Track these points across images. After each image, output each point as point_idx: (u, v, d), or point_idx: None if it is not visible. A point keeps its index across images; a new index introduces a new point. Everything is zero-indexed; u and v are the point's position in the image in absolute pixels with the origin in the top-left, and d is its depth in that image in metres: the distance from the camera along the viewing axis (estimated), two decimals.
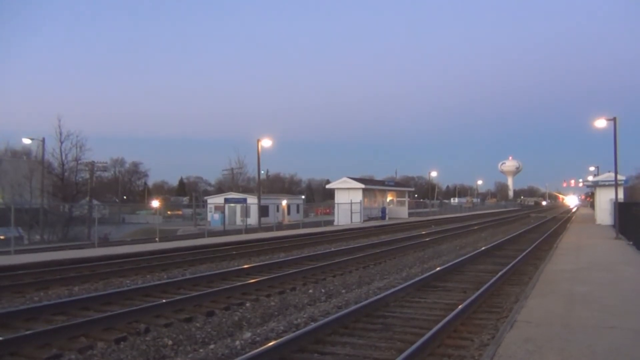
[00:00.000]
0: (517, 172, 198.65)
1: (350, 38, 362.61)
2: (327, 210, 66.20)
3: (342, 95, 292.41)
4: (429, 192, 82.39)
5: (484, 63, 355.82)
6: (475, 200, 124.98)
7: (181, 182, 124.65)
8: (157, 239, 25.97)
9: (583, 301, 8.31)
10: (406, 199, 54.41)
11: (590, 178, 48.37)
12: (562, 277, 10.93)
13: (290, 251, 19.41)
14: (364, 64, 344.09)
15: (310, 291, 10.96)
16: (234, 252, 17.93)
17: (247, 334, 7.49)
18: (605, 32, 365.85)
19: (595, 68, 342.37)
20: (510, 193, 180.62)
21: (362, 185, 42.91)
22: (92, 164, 57.47)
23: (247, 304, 9.38)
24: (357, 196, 41.94)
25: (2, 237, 26.47)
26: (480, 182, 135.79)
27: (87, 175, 55.56)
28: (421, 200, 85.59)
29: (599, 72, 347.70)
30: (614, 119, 24.05)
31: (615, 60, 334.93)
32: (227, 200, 43.44)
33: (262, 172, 53.45)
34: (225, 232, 33.07)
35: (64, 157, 42.18)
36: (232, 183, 74.92)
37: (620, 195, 27.60)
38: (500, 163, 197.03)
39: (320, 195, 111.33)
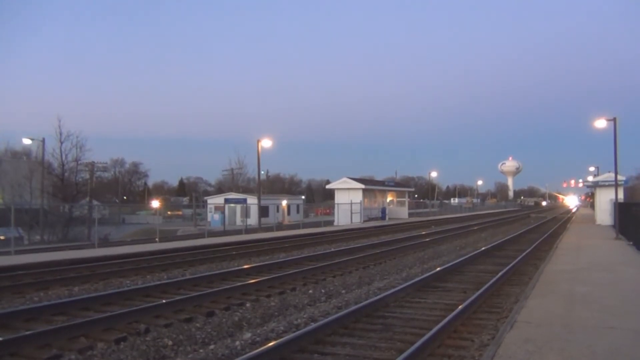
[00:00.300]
0: (517, 172, 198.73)
1: (350, 38, 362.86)
2: (327, 211, 66.15)
3: (342, 95, 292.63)
4: (429, 193, 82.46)
5: (484, 63, 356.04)
6: (475, 200, 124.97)
7: (181, 183, 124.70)
8: (157, 239, 25.95)
9: (583, 301, 8.31)
10: (406, 199, 54.41)
11: (590, 178, 48.38)
12: (562, 277, 10.93)
13: (290, 251, 19.41)
14: (364, 64, 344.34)
15: (311, 291, 10.96)
16: (234, 253, 17.92)
17: (247, 334, 7.49)
18: (605, 32, 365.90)
19: (595, 68, 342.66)
20: (510, 193, 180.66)
21: (362, 186, 42.90)
22: (92, 164, 57.51)
23: (247, 304, 9.38)
24: (357, 196, 41.93)
25: (2, 238, 26.47)
26: (480, 182, 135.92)
27: (87, 176, 55.60)
28: (421, 200, 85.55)
29: (599, 72, 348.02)
30: (614, 119, 24.07)
31: (615, 60, 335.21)
32: (227, 201, 43.48)
33: (262, 172, 53.51)
34: (225, 233, 33.07)
35: (64, 158, 42.14)
36: (232, 183, 74.91)
37: (620, 196, 27.60)
38: (500, 163, 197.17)
39: (320, 196, 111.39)
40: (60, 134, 41.36)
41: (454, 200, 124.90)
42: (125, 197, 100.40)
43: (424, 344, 6.22)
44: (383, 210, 46.24)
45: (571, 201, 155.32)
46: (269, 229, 34.59)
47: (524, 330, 6.37)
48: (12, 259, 15.25)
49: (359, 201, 41.71)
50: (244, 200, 39.33)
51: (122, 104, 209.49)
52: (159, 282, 11.35)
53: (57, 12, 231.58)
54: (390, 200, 51.23)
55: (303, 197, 76.75)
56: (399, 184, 63.03)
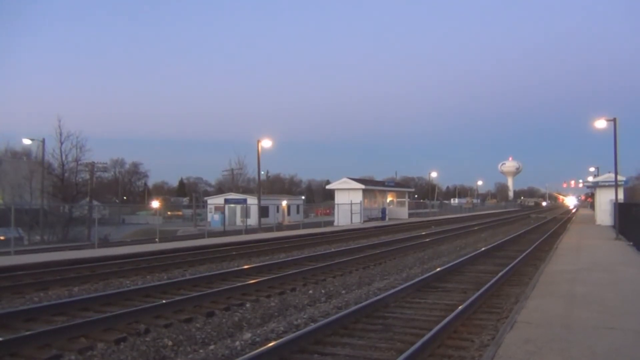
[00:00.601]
0: (517, 172, 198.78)
1: (350, 38, 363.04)
2: (327, 211, 66.09)
3: (342, 95, 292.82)
4: (429, 193, 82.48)
5: (484, 63, 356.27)
6: (475, 200, 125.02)
7: (181, 183, 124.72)
8: (157, 239, 25.94)
9: (583, 302, 8.31)
10: (406, 200, 54.39)
11: (590, 179, 48.41)
12: (562, 277, 10.93)
13: (290, 252, 19.40)
14: (364, 64, 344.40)
15: (310, 292, 10.96)
16: (234, 253, 17.92)
17: (247, 335, 7.49)
18: (605, 32, 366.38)
19: (595, 68, 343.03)
20: (510, 194, 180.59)
21: (362, 186, 42.89)
22: (92, 164, 57.33)
23: (247, 305, 9.38)
24: (357, 197, 41.92)
25: (2, 238, 26.45)
26: (480, 182, 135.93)
27: (87, 176, 55.47)
28: (421, 200, 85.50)
29: (599, 72, 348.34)
30: (614, 120, 24.07)
31: (615, 60, 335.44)
32: (227, 201, 43.50)
33: (262, 172, 53.48)
34: (225, 233, 33.08)
35: (64, 158, 42.17)
36: (232, 184, 74.92)
37: (620, 196, 27.61)
38: (500, 164, 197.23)
39: (320, 196, 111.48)
40: (60, 134, 41.43)
41: (454, 201, 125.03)
42: (125, 198, 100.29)
43: (424, 344, 6.22)
44: (383, 211, 46.24)
45: (571, 201, 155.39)
46: (269, 229, 34.59)
47: (524, 330, 6.37)
48: (12, 259, 15.25)
49: (359, 201, 41.69)
50: (244, 201, 39.34)
51: (122, 104, 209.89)
52: (159, 283, 11.35)
53: (57, 12, 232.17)
54: (390, 201, 51.23)
55: (303, 197, 76.84)
56: (399, 184, 63.02)
